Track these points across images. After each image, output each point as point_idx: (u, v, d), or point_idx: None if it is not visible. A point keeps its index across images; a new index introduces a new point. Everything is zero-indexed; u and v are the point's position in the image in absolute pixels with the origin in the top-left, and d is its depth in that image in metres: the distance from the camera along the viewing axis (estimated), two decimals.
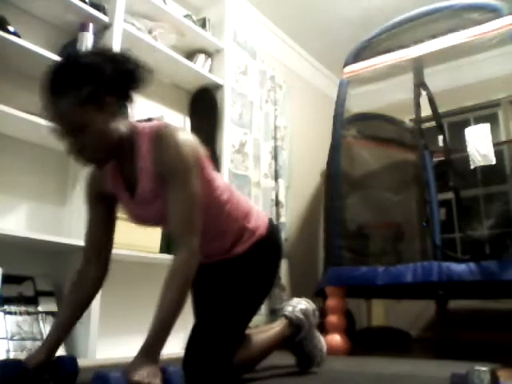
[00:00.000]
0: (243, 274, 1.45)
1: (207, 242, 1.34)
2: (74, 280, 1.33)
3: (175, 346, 2.44)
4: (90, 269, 1.33)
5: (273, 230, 1.55)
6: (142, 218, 1.38)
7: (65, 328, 1.28)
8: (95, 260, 1.34)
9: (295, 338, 1.62)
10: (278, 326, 1.60)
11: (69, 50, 1.99)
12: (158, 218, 1.32)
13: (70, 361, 1.27)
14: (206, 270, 1.40)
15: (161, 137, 1.22)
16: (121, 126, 1.22)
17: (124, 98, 1.23)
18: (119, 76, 1.19)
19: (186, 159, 1.19)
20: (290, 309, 1.64)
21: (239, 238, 1.45)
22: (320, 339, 1.69)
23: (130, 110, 1.27)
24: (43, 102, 1.16)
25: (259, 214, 1.54)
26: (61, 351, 1.73)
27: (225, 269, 1.46)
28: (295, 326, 1.61)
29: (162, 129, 1.24)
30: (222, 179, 1.47)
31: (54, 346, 1.24)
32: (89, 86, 1.13)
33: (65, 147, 1.19)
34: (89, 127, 1.14)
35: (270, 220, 1.58)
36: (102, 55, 1.21)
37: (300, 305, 1.66)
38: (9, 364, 1.17)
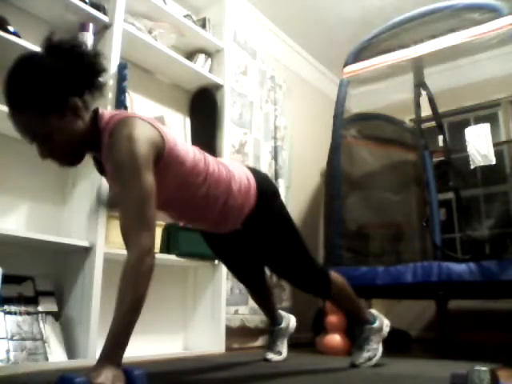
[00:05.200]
0: (269, 217, 1.58)
1: (194, 216, 1.50)
2: None
3: (175, 346, 2.45)
4: None
5: (261, 188, 1.56)
6: None
7: None
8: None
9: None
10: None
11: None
12: None
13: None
14: (238, 234, 1.58)
15: (114, 132, 1.19)
16: (85, 121, 1.22)
17: (88, 91, 1.23)
18: (80, 73, 1.18)
19: (133, 156, 1.14)
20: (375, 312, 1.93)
21: (228, 211, 1.48)
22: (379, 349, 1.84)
23: (97, 94, 1.25)
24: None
25: (241, 185, 1.50)
26: (61, 351, 1.73)
27: (252, 224, 1.55)
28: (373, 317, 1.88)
29: (118, 123, 1.21)
30: (201, 159, 1.42)
31: None
32: (48, 97, 1.13)
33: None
34: (52, 134, 1.16)
35: (256, 180, 1.56)
36: (60, 54, 1.17)
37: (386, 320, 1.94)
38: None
